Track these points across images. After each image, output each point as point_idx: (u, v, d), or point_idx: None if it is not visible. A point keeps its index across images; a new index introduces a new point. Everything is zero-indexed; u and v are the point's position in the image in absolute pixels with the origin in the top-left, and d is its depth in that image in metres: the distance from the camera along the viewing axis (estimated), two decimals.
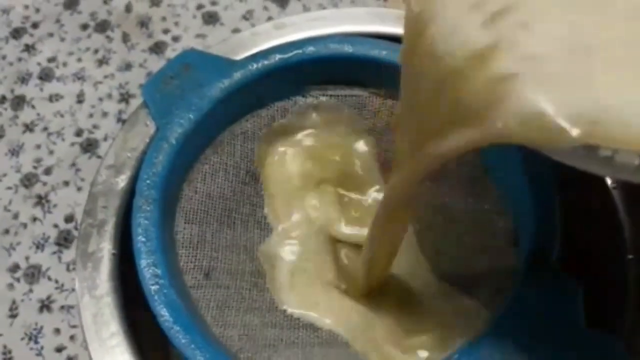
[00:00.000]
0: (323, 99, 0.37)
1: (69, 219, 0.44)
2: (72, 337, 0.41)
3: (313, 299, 0.33)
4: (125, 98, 0.49)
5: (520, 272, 0.29)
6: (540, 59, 0.19)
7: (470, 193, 0.34)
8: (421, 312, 0.32)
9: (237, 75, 0.35)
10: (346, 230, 0.36)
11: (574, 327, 0.28)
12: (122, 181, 0.35)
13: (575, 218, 0.32)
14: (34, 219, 0.45)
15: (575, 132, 0.18)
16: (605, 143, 0.18)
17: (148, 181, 0.32)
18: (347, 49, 0.36)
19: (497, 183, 0.33)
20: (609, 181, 0.34)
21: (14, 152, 0.48)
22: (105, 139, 0.47)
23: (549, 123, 0.18)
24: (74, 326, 0.41)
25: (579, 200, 0.34)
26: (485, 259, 0.32)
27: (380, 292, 0.33)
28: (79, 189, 0.45)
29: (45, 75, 0.51)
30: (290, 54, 0.36)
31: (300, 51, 0.36)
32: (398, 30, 0.39)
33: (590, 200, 0.35)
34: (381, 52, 0.36)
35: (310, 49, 0.36)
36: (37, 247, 0.44)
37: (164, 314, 0.29)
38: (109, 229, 0.33)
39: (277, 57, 0.35)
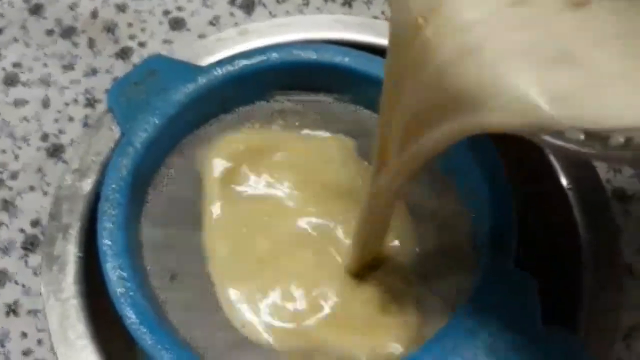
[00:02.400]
0: (287, 104, 0.38)
1: (35, 223, 0.44)
2: (39, 341, 0.40)
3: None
4: (91, 103, 0.49)
5: (479, 271, 0.30)
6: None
7: (432, 194, 0.35)
8: (383, 310, 0.32)
9: (202, 80, 0.35)
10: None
11: (531, 325, 0.29)
12: (87, 185, 0.35)
13: (532, 218, 0.33)
14: (0, 224, 0.45)
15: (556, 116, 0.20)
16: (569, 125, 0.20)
17: (113, 185, 0.32)
18: (311, 55, 0.37)
19: (457, 184, 0.34)
20: (564, 182, 0.35)
21: None
22: (71, 143, 0.47)
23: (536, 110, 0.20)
24: (41, 330, 0.41)
25: (536, 200, 0.35)
26: (445, 258, 0.33)
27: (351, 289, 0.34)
28: (45, 193, 0.45)
29: (10, 81, 0.50)
30: (255, 60, 0.36)
31: (264, 57, 0.36)
32: (362, 37, 0.40)
33: (546, 200, 0.36)
34: (345, 58, 0.36)
35: (275, 55, 0.36)
36: (4, 252, 0.43)
37: (130, 315, 0.29)
38: (75, 232, 0.34)
39: (242, 63, 0.36)
